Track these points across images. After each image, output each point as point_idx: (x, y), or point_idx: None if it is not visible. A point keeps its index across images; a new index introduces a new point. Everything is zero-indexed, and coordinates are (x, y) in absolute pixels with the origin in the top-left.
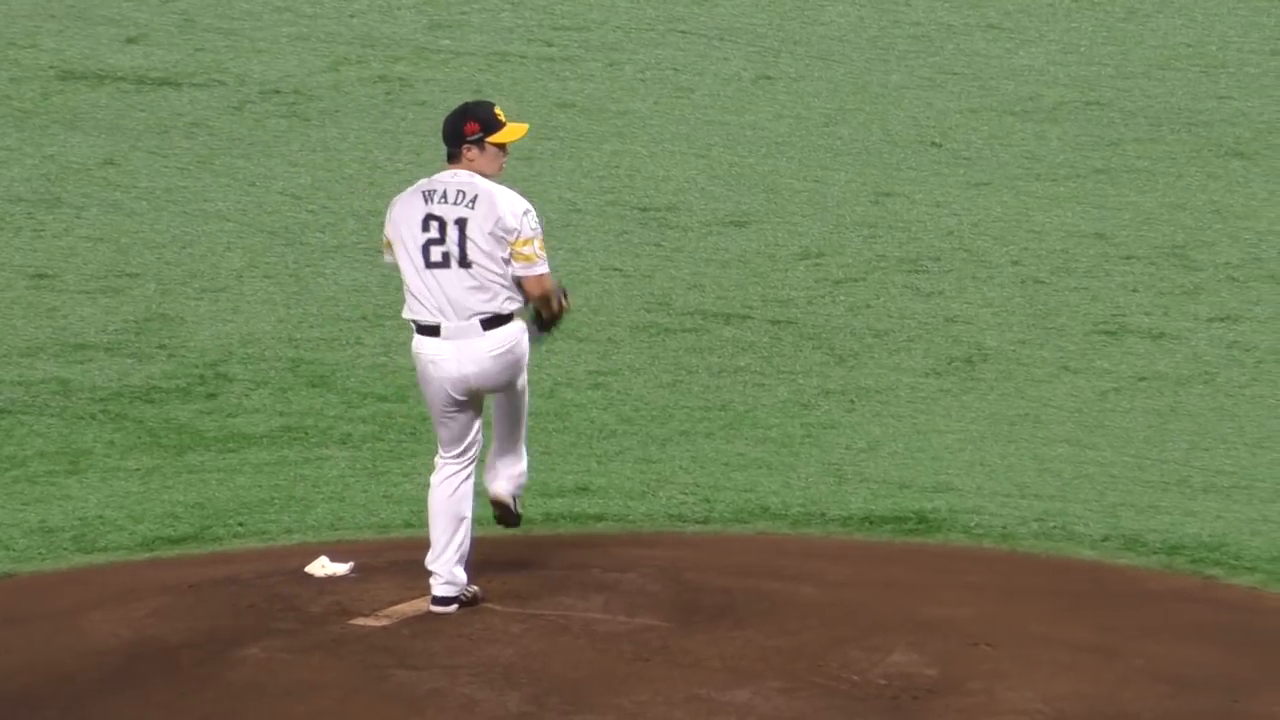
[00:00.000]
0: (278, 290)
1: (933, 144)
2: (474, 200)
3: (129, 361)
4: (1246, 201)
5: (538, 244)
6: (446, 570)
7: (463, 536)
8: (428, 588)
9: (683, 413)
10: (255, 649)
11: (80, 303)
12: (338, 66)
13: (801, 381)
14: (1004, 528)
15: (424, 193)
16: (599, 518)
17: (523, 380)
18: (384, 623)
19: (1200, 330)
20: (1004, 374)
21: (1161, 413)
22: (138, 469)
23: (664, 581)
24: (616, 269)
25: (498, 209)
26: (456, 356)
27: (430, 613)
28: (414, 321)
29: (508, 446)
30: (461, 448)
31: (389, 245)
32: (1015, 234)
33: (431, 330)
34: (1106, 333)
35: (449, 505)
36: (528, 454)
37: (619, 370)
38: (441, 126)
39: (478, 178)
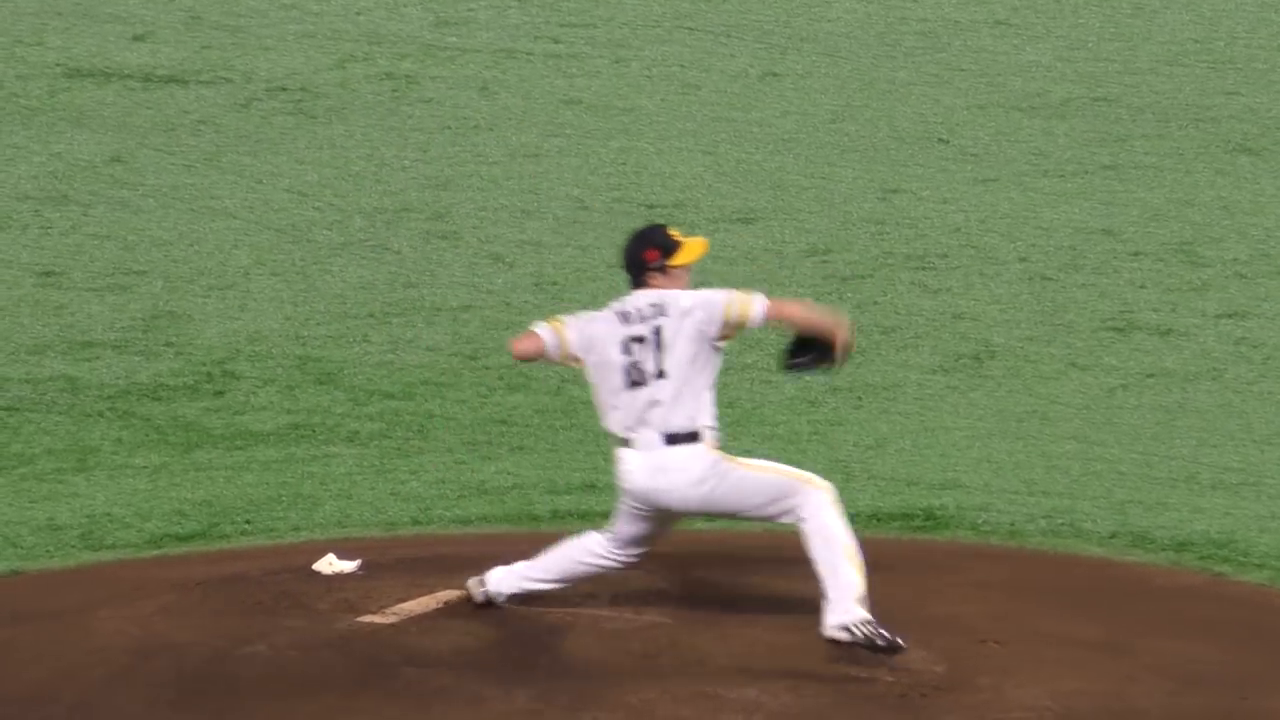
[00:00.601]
0: (285, 288)
1: (940, 140)
2: (664, 307)
3: (136, 359)
4: (1255, 198)
5: (737, 296)
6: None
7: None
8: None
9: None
10: (263, 646)
11: (88, 300)
12: (344, 64)
13: (808, 378)
14: (1012, 524)
15: (619, 314)
16: (606, 515)
17: (740, 493)
18: (391, 620)
19: (1208, 326)
20: (1012, 371)
21: (1169, 409)
22: (145, 467)
23: (671, 579)
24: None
25: (683, 303)
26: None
27: (437, 610)
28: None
29: (821, 569)
30: (627, 548)
31: (573, 356)
32: (1023, 230)
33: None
34: (1114, 329)
35: (567, 552)
36: (850, 571)
37: None
38: (621, 255)
39: (666, 292)
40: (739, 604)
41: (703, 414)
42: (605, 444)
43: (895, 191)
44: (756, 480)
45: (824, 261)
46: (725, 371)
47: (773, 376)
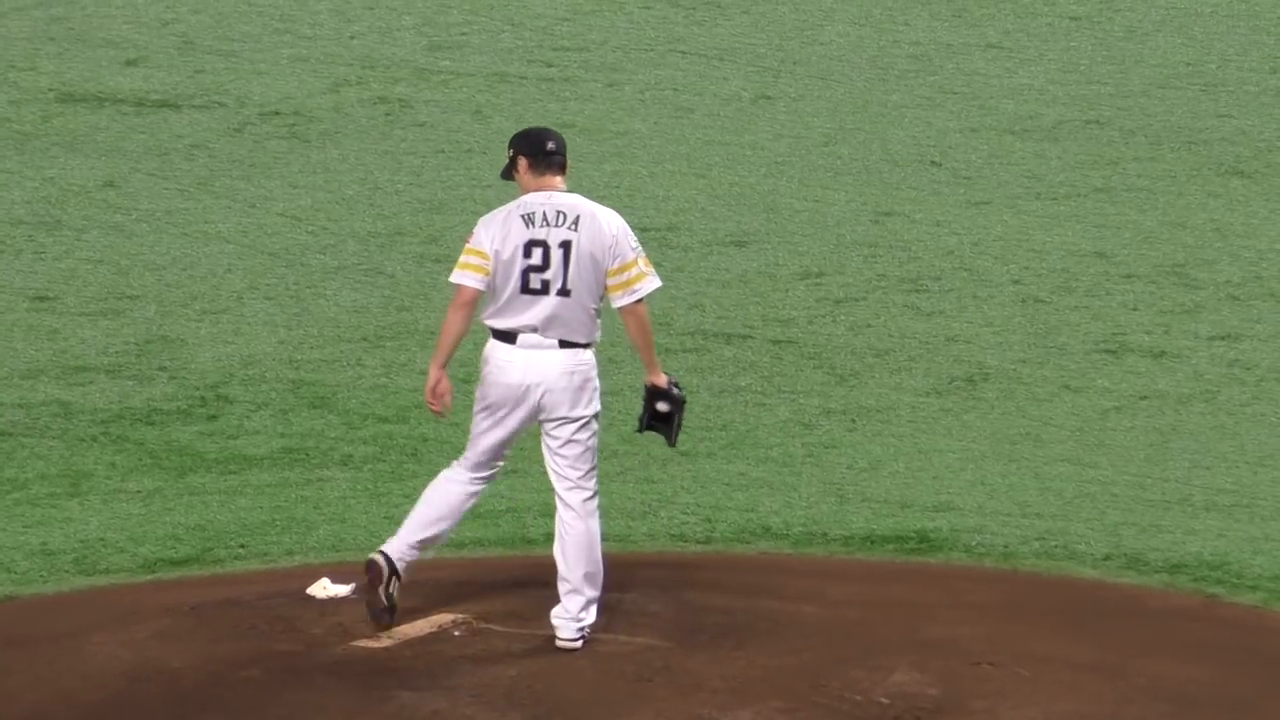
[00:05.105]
0: (278, 312)
1: (933, 163)
2: (577, 221)
3: (130, 383)
4: (1247, 220)
5: (643, 262)
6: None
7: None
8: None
9: (684, 432)
10: (257, 670)
11: (81, 325)
12: (338, 88)
13: (802, 401)
14: (1005, 547)
15: (524, 216)
16: (600, 538)
17: (586, 439)
18: (386, 644)
19: (1201, 349)
20: (1005, 393)
21: (1163, 431)
22: (139, 491)
23: (665, 601)
24: None
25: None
26: (524, 365)
27: (432, 634)
28: (491, 327)
29: (574, 576)
30: (482, 465)
31: (479, 267)
32: (1016, 253)
33: (507, 337)
34: (1107, 351)
35: (430, 496)
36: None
37: (620, 390)
38: (546, 141)
39: (574, 196)
40: (733, 627)
41: (593, 329)
42: (600, 467)
43: (888, 214)
44: (597, 447)
45: (817, 284)
46: (719, 394)
47: (766, 399)
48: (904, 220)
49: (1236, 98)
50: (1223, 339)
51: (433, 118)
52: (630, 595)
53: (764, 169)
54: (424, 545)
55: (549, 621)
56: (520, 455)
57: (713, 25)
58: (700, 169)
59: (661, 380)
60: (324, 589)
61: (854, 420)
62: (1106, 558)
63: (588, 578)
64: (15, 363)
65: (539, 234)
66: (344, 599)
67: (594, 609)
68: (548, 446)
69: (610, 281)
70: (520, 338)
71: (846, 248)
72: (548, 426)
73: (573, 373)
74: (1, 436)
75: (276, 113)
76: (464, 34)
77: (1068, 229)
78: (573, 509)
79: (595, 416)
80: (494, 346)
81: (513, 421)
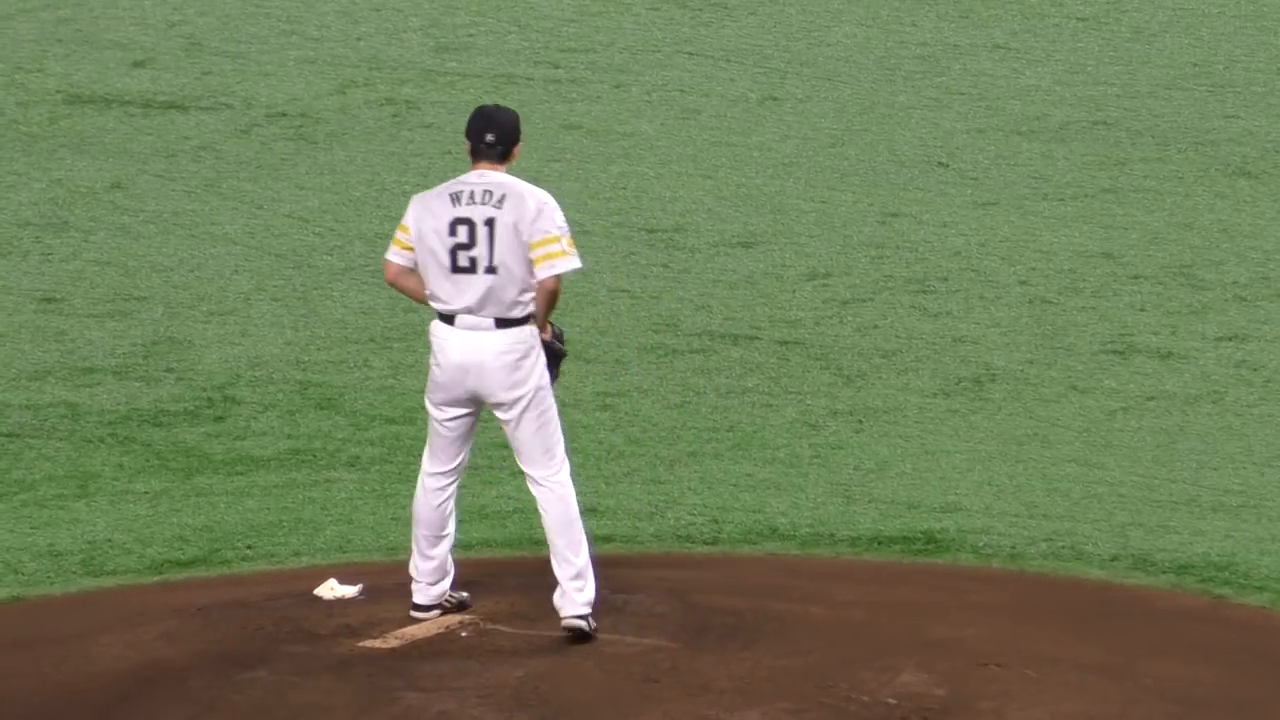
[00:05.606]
0: (285, 313)
1: (939, 164)
2: (502, 199)
3: (137, 385)
4: (1254, 221)
5: (566, 241)
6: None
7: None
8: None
9: (690, 434)
10: (264, 672)
11: (88, 326)
12: (344, 89)
13: (809, 402)
14: (1013, 548)
15: (451, 195)
16: (607, 539)
17: (540, 415)
18: (393, 645)
19: (1208, 349)
20: (1012, 394)
21: (1170, 432)
22: (146, 492)
23: (672, 602)
24: (624, 290)
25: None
26: (462, 346)
27: (439, 634)
28: (435, 309)
29: (558, 545)
30: (440, 457)
31: (401, 243)
32: (1023, 254)
33: (448, 319)
34: (1114, 352)
35: (415, 514)
36: (589, 556)
37: (627, 391)
38: (485, 133)
39: (507, 177)
40: (740, 628)
41: (526, 303)
42: (607, 468)
43: (895, 215)
44: (554, 417)
45: (824, 285)
46: (726, 395)
47: (773, 400)
48: (911, 221)
49: (1244, 98)
50: (1230, 340)
51: (439, 119)
52: (637, 596)
53: (771, 170)
54: (438, 560)
55: (556, 622)
56: None
57: (719, 26)
58: (707, 170)
59: (547, 334)
60: (331, 590)
61: (861, 421)
62: (1114, 558)
63: (570, 545)
64: (23, 364)
65: (464, 212)
66: (351, 600)
67: (590, 584)
68: (503, 429)
69: (532, 254)
70: (458, 319)
71: (853, 248)
72: (494, 411)
73: (508, 352)
74: (9, 438)
75: (283, 114)
76: (470, 35)
77: (1075, 230)
78: (543, 485)
79: (541, 389)
80: (435, 327)
81: (459, 404)
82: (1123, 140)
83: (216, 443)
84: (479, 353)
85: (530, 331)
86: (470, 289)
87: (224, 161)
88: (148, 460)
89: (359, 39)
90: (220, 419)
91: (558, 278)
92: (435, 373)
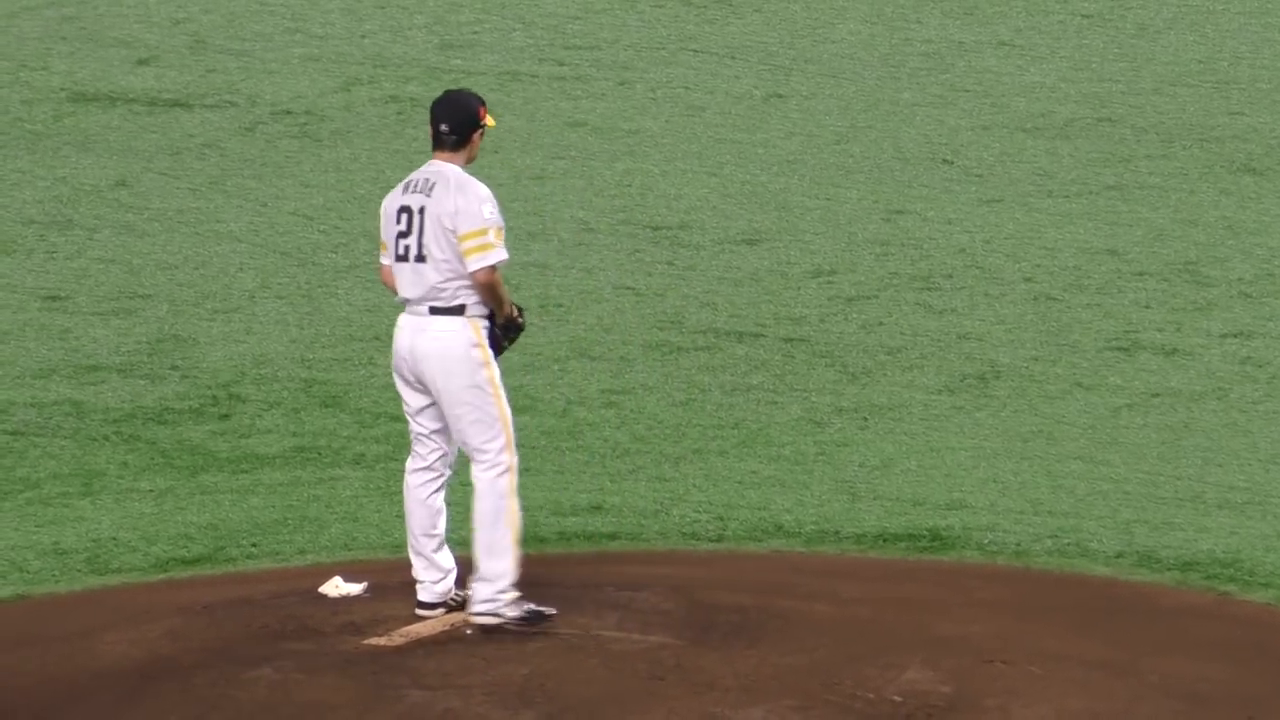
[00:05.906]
0: (290, 311)
1: (944, 161)
2: (433, 188)
3: (142, 383)
4: (1259, 217)
5: (493, 234)
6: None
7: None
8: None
9: (696, 431)
10: (269, 669)
11: (93, 324)
12: (349, 87)
13: (814, 399)
14: (1018, 544)
15: (404, 184)
16: (612, 536)
17: (476, 405)
18: (398, 642)
19: (1213, 346)
20: (1017, 391)
21: (1175, 429)
22: (151, 490)
23: (678, 600)
24: (629, 288)
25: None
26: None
27: (444, 632)
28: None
29: (477, 539)
30: (418, 445)
31: (381, 241)
32: (1027, 251)
33: (402, 306)
34: (1119, 349)
35: (408, 510)
36: (511, 552)
37: (632, 389)
38: (440, 122)
39: (449, 166)
40: (745, 625)
41: (458, 292)
42: (612, 466)
43: (900, 212)
44: (493, 398)
45: (829, 282)
46: (731, 392)
47: (778, 398)
48: (916, 218)
49: (1248, 95)
50: (1235, 336)
51: None
52: (642, 593)
53: (776, 167)
54: (432, 560)
55: (561, 619)
56: (531, 454)
57: (724, 23)
58: (712, 167)
59: (512, 313)
60: (336, 588)
61: (866, 418)
62: (1119, 555)
63: (485, 547)
64: (27, 362)
65: (408, 200)
66: (356, 597)
67: (493, 586)
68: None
69: (461, 247)
70: (408, 306)
71: (858, 246)
72: (437, 397)
73: (437, 340)
74: (14, 436)
75: (288, 112)
76: (475, 33)
77: (1080, 226)
78: (477, 479)
79: (479, 386)
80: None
81: (413, 389)
82: (1127, 137)
83: (221, 440)
84: (415, 339)
85: (463, 323)
86: (406, 277)
87: (229, 159)
88: (152, 458)
89: (363, 36)
90: (225, 417)
91: (490, 269)
92: (394, 359)
